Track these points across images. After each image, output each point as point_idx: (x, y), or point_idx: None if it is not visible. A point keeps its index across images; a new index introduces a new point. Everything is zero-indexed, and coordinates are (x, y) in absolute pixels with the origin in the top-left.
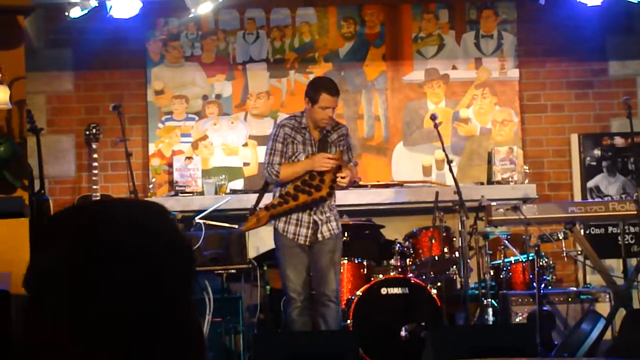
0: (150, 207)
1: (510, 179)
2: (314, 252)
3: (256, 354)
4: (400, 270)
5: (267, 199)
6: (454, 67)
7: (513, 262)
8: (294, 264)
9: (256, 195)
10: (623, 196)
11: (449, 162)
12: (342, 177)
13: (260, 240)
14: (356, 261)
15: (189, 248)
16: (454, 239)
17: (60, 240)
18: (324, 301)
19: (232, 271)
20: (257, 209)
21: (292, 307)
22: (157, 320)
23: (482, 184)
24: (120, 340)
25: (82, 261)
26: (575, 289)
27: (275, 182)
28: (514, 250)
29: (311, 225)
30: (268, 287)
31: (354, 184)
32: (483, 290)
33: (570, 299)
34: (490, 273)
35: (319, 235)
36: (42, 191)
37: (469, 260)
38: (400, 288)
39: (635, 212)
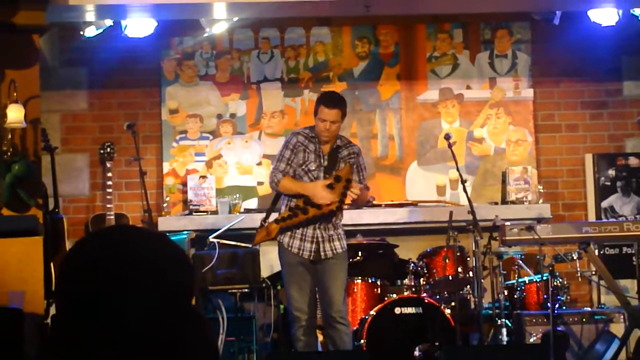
0: (161, 238)
1: (524, 199)
2: (318, 270)
3: None
4: (414, 289)
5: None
6: (468, 87)
7: (527, 282)
8: (298, 282)
9: None
10: (637, 216)
11: (463, 181)
12: (353, 190)
13: (274, 260)
14: (370, 281)
15: (190, 273)
16: (468, 259)
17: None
18: (331, 323)
19: (246, 290)
20: (267, 222)
21: (296, 326)
22: (176, 338)
23: (496, 203)
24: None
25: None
26: (589, 309)
27: (274, 189)
28: (528, 270)
29: (315, 240)
30: (282, 307)
31: (367, 204)
32: (497, 310)
33: (584, 320)
34: (504, 293)
35: (322, 253)
36: (56, 210)
37: (482, 280)
38: (414, 308)
39: None
